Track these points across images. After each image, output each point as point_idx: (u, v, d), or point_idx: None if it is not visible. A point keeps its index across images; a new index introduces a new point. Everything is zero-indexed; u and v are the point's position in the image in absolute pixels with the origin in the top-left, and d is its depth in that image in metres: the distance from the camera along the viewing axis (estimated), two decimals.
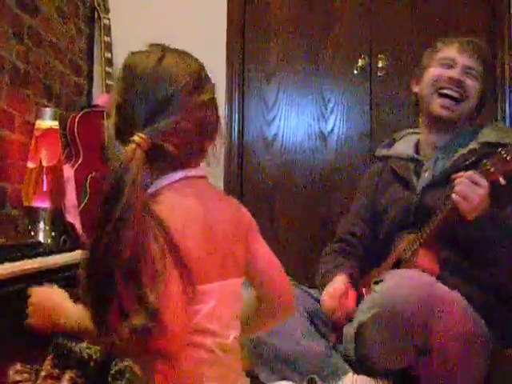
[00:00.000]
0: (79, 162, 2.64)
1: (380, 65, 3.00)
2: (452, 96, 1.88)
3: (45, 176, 2.30)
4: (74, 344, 1.41)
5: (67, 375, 1.41)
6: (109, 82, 2.90)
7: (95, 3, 3.02)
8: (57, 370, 1.36)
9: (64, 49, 2.82)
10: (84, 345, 1.39)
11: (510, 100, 2.90)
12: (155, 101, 1.06)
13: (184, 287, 0.98)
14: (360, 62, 3.02)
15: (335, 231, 2.15)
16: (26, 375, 1.37)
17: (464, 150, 1.85)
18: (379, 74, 3.01)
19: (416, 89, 2.00)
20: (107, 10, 3.06)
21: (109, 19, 3.05)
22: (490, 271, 1.73)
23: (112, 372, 1.42)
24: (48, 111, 2.40)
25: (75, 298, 1.15)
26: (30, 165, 2.31)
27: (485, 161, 1.64)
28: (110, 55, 2.98)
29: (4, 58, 2.27)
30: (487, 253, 1.70)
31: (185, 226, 1.02)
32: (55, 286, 1.24)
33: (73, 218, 2.53)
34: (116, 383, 1.32)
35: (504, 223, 1.67)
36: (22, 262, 1.68)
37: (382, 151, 2.11)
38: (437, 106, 1.89)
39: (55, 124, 2.39)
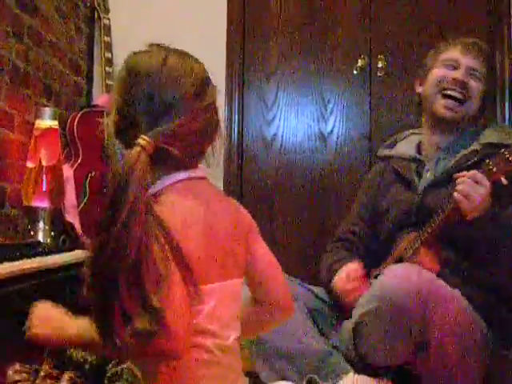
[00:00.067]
0: (78, 161, 2.64)
1: (380, 65, 3.00)
2: (455, 97, 1.89)
3: (44, 176, 2.30)
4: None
5: (66, 375, 1.41)
6: (109, 82, 2.90)
7: (95, 3, 3.02)
8: (56, 371, 1.36)
9: (64, 48, 2.82)
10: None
11: (510, 101, 2.90)
12: (159, 103, 1.06)
13: (186, 288, 0.98)
14: (360, 63, 3.02)
15: (334, 231, 2.15)
16: (24, 375, 1.38)
17: (466, 151, 1.86)
18: (379, 74, 3.01)
19: (419, 89, 2.01)
20: (107, 10, 3.06)
21: (109, 19, 3.05)
22: (490, 271, 1.73)
23: (108, 375, 1.43)
24: (47, 111, 2.40)
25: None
26: (30, 164, 2.31)
27: (487, 161, 1.65)
28: (109, 55, 2.98)
29: (4, 57, 2.27)
30: (488, 253, 1.71)
31: (185, 227, 1.02)
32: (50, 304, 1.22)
33: (72, 217, 2.53)
34: None
35: (505, 223, 1.68)
36: (21, 262, 1.68)
37: (384, 151, 2.11)
38: (440, 106, 1.90)
39: (55, 124, 2.39)
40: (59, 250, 2.07)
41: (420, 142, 2.03)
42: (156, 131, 1.03)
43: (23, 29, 2.42)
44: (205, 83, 1.11)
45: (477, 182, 1.62)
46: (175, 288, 0.96)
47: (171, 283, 0.95)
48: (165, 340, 0.93)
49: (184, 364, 1.01)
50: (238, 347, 1.12)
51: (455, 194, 1.64)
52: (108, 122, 1.11)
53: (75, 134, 2.65)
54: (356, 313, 1.68)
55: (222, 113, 2.85)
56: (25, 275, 1.59)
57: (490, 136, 1.86)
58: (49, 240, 2.30)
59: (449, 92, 1.89)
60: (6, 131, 2.29)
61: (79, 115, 2.68)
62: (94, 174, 2.65)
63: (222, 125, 1.16)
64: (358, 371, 1.68)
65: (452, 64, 1.92)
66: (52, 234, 2.33)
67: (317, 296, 1.94)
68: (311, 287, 1.98)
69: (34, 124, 2.38)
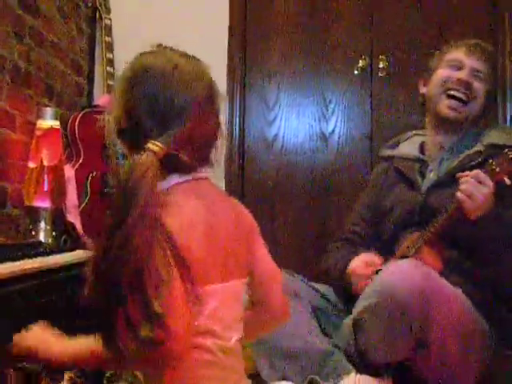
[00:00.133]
0: (80, 161, 2.64)
1: (381, 65, 3.00)
2: (459, 97, 1.89)
3: (46, 176, 2.30)
4: None
5: (67, 375, 1.41)
6: (110, 83, 2.90)
7: (96, 3, 3.02)
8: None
9: (65, 49, 2.82)
10: None
11: (511, 101, 2.90)
12: (170, 106, 1.05)
13: (186, 288, 0.98)
14: (361, 63, 3.02)
15: (335, 231, 2.16)
16: None
17: (469, 151, 1.86)
18: (380, 74, 3.01)
19: (423, 90, 2.02)
20: (108, 10, 3.06)
21: (110, 19, 3.05)
22: (493, 271, 1.73)
23: (107, 375, 1.43)
24: (49, 111, 2.40)
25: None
26: (31, 164, 2.31)
27: (490, 161, 1.65)
28: (111, 55, 2.98)
29: (5, 57, 2.27)
30: (491, 252, 1.71)
31: (187, 227, 1.01)
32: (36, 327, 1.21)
33: (73, 217, 2.54)
34: None
35: (508, 223, 1.68)
36: (22, 262, 1.68)
37: (386, 151, 2.12)
38: (444, 106, 1.91)
39: (56, 124, 2.39)
40: (60, 250, 2.07)
41: (423, 143, 2.04)
42: (167, 136, 1.02)
43: (25, 29, 2.42)
44: (214, 87, 1.11)
45: (480, 182, 1.63)
46: (176, 291, 0.96)
47: (172, 287, 0.95)
48: (165, 341, 0.93)
49: (185, 365, 1.01)
50: (240, 348, 1.11)
51: (458, 193, 1.65)
52: (109, 120, 1.10)
53: (76, 135, 2.65)
54: (356, 308, 1.68)
55: (223, 113, 2.85)
56: (26, 275, 1.59)
57: (493, 137, 1.87)
58: (50, 240, 2.30)
59: (453, 92, 1.90)
60: (8, 131, 2.29)
61: (80, 115, 2.68)
62: (95, 174, 2.65)
63: (223, 125, 1.16)
64: (358, 369, 1.67)
65: (456, 65, 1.93)
66: (53, 234, 2.33)
67: (321, 295, 1.94)
68: (315, 285, 1.98)
69: (35, 124, 2.38)
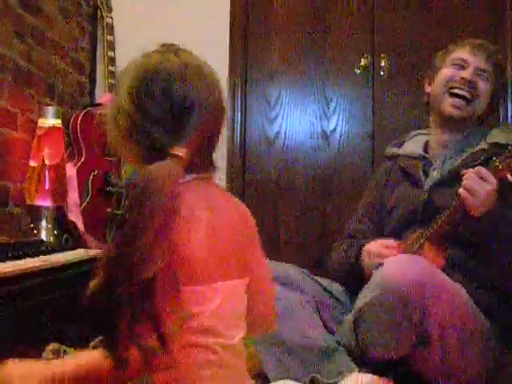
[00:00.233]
0: (81, 160, 2.64)
1: (382, 64, 3.00)
2: (463, 96, 1.90)
3: (47, 174, 2.30)
4: (65, 349, 1.41)
5: (50, 346, 1.41)
6: (111, 81, 2.90)
7: (98, 2, 3.02)
8: None
9: (67, 48, 2.82)
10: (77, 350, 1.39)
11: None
12: (185, 106, 1.04)
13: (188, 287, 0.98)
14: (362, 62, 3.02)
15: (337, 229, 2.16)
16: None
17: (473, 150, 1.87)
18: (382, 73, 3.01)
19: (428, 89, 2.02)
20: (110, 9, 3.06)
21: (112, 18, 3.05)
22: (496, 271, 1.73)
23: None
24: (51, 109, 2.41)
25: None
26: (33, 163, 2.31)
27: (494, 158, 1.65)
28: (112, 54, 2.98)
29: (7, 57, 2.27)
30: (494, 252, 1.71)
31: (190, 226, 1.01)
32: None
33: (75, 216, 2.54)
34: None
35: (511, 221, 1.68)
36: (24, 261, 1.69)
37: (391, 150, 2.12)
38: (448, 105, 1.92)
39: (58, 122, 2.40)
40: (62, 249, 2.08)
41: (427, 142, 2.04)
42: (187, 138, 1.02)
43: (26, 28, 2.43)
44: (220, 86, 1.11)
45: (482, 178, 1.63)
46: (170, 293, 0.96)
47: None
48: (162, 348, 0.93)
49: (187, 363, 1.01)
50: (242, 347, 1.11)
51: (460, 189, 1.65)
52: (114, 120, 1.08)
53: (78, 133, 2.65)
54: (357, 304, 1.68)
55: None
56: (28, 274, 1.60)
57: (497, 136, 1.87)
58: (52, 239, 2.30)
59: (456, 91, 1.90)
60: (10, 130, 2.30)
61: (82, 114, 2.68)
62: (96, 172, 2.65)
63: (225, 124, 1.16)
64: (359, 365, 1.67)
65: (460, 64, 1.93)
66: (55, 232, 2.34)
67: (325, 289, 1.94)
68: (319, 279, 1.98)
69: (37, 123, 2.38)
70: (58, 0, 2.72)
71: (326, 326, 1.84)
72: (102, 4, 3.03)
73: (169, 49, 1.10)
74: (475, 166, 1.71)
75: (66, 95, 2.82)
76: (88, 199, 2.60)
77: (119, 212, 2.63)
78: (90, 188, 2.62)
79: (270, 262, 1.88)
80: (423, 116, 2.14)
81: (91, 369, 1.01)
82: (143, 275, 0.91)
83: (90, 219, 2.57)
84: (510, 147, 1.64)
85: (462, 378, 1.63)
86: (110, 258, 0.93)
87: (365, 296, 1.65)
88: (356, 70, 3.04)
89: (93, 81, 3.13)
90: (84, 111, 2.71)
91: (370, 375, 1.62)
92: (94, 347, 1.40)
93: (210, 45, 2.58)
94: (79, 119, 2.66)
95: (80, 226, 2.52)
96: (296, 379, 1.69)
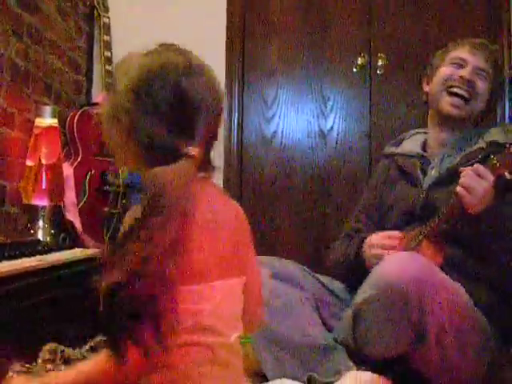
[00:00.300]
0: (78, 160, 2.64)
1: (380, 63, 3.01)
2: (461, 95, 1.89)
3: (44, 174, 2.30)
4: (63, 349, 1.41)
5: (47, 346, 1.41)
6: (108, 81, 2.90)
7: (95, 2, 3.02)
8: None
9: (63, 47, 2.82)
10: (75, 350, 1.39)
11: (509, 99, 2.90)
12: (192, 104, 1.04)
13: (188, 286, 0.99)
14: (359, 61, 3.02)
15: (334, 227, 2.16)
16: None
17: (471, 148, 1.86)
18: (379, 72, 3.01)
19: (426, 88, 2.02)
20: (107, 9, 3.06)
21: (108, 18, 3.05)
22: (495, 270, 1.73)
23: None
24: (47, 109, 2.41)
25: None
26: (29, 163, 2.31)
27: (491, 156, 1.65)
28: (109, 54, 2.98)
29: (4, 55, 2.27)
30: (492, 250, 1.71)
31: (189, 226, 1.01)
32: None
33: (72, 215, 2.54)
34: None
35: (510, 219, 1.68)
36: (21, 260, 1.68)
37: (389, 149, 2.12)
38: (446, 104, 1.92)
39: (55, 122, 2.39)
40: (59, 248, 2.08)
41: (425, 140, 2.04)
42: (197, 137, 1.02)
43: (23, 27, 2.42)
44: (219, 84, 1.11)
45: (479, 175, 1.62)
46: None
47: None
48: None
49: (186, 362, 1.01)
50: (239, 346, 1.11)
51: (458, 187, 1.65)
52: (118, 118, 1.06)
53: (75, 133, 2.65)
54: (357, 298, 1.68)
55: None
56: (24, 273, 1.59)
57: (495, 135, 1.87)
58: (48, 238, 2.30)
59: (455, 90, 1.90)
60: (6, 129, 2.29)
61: (79, 113, 2.68)
62: (93, 172, 2.65)
63: (221, 123, 1.16)
64: (357, 363, 1.67)
65: (459, 63, 1.93)
66: (52, 232, 2.34)
67: (325, 286, 1.94)
68: (320, 277, 1.98)
69: (33, 122, 2.38)
70: None
71: (325, 324, 1.84)
72: (98, 4, 3.02)
73: (170, 48, 1.10)
74: (473, 165, 1.71)
75: (63, 94, 2.82)
76: (85, 199, 2.59)
77: (116, 211, 2.63)
78: (86, 187, 2.61)
79: (269, 258, 1.90)
80: (420, 114, 2.14)
81: (91, 376, 1.01)
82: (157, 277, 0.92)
83: (87, 218, 2.56)
84: (507, 144, 1.64)
85: (461, 377, 1.63)
86: (129, 260, 0.93)
87: (364, 291, 1.64)
88: (353, 69, 3.04)
89: (89, 80, 3.13)
90: (81, 111, 2.71)
91: (369, 373, 1.62)
92: (92, 347, 1.40)
93: (207, 44, 2.57)
94: (76, 119, 2.66)
95: (77, 225, 2.52)
96: (294, 378, 1.69)
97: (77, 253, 2.06)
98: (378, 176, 2.11)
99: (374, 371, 1.63)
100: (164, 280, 0.93)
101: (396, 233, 1.84)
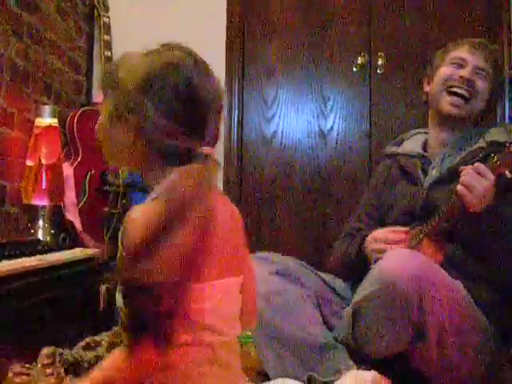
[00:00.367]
0: (78, 160, 2.64)
1: (380, 62, 3.00)
2: (461, 94, 1.90)
3: (44, 174, 2.30)
4: (61, 351, 1.41)
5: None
6: (106, 80, 2.89)
7: (95, 1, 3.02)
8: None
9: (63, 47, 2.82)
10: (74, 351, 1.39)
11: (509, 99, 2.90)
12: (202, 102, 1.04)
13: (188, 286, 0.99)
14: (359, 60, 3.02)
15: (334, 227, 2.16)
16: (24, 377, 1.37)
17: (472, 148, 1.87)
18: (379, 71, 3.01)
19: (427, 88, 2.02)
20: (107, 8, 3.06)
21: (108, 17, 3.04)
22: (495, 267, 1.73)
23: None
24: (47, 109, 2.41)
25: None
26: (29, 163, 2.31)
27: (492, 155, 1.65)
28: (109, 53, 2.97)
29: (3, 55, 2.27)
30: (492, 249, 1.71)
31: (189, 226, 1.01)
32: None
33: (72, 215, 2.54)
34: None
35: (510, 219, 1.68)
36: (21, 260, 1.69)
37: (390, 148, 2.13)
38: (446, 103, 1.92)
39: (54, 121, 2.39)
40: (59, 248, 2.08)
41: (426, 140, 2.04)
42: (208, 136, 1.02)
43: (23, 27, 2.42)
44: (220, 83, 1.11)
45: (480, 174, 1.62)
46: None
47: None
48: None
49: (186, 361, 1.01)
50: (237, 345, 1.12)
51: (458, 186, 1.65)
52: (126, 119, 1.05)
53: (75, 133, 2.65)
54: (356, 298, 1.68)
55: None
56: (24, 273, 1.59)
57: (495, 134, 1.87)
58: (48, 238, 2.31)
59: (455, 89, 1.91)
60: (6, 129, 2.29)
61: (79, 113, 2.68)
62: (93, 172, 2.65)
63: (221, 123, 1.16)
64: (357, 362, 1.67)
65: (459, 63, 1.93)
66: (52, 232, 2.34)
67: (327, 283, 1.94)
68: (321, 274, 1.98)
69: (33, 122, 2.38)
70: None
71: (326, 322, 1.84)
72: (98, 3, 3.02)
73: (175, 46, 1.09)
74: (474, 164, 1.71)
75: (63, 94, 2.82)
76: (85, 198, 2.59)
77: (116, 211, 2.63)
78: (86, 187, 2.61)
79: (269, 254, 1.90)
80: (420, 114, 2.14)
81: (107, 374, 1.01)
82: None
83: (87, 218, 2.56)
84: (508, 143, 1.64)
85: (461, 376, 1.63)
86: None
87: (364, 288, 1.65)
88: (353, 69, 3.04)
89: (89, 80, 3.13)
90: (81, 110, 2.71)
91: (369, 372, 1.61)
92: (88, 343, 1.40)
93: (207, 44, 2.57)
94: (76, 118, 2.66)
95: (77, 225, 2.52)
96: (295, 377, 1.69)
97: (77, 253, 2.06)
98: (379, 176, 2.11)
99: (374, 370, 1.63)
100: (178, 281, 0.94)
101: (401, 228, 1.84)
